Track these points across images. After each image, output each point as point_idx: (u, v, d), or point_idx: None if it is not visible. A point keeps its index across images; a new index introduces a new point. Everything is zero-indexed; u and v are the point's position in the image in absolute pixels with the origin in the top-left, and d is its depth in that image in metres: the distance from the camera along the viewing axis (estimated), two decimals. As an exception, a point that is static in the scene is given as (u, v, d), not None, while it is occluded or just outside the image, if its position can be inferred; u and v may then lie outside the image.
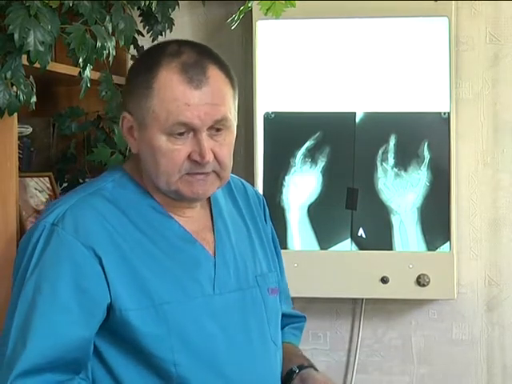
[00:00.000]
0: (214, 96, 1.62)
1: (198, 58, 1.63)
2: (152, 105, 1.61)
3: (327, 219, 2.74)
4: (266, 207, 1.92)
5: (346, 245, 2.74)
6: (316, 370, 1.81)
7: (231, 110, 1.66)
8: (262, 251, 1.83)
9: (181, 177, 1.63)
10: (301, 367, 1.80)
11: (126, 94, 1.69)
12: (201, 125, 1.60)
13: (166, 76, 1.61)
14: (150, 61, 1.65)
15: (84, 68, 2.16)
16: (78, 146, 2.74)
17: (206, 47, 1.70)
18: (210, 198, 1.77)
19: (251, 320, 1.72)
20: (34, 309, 1.57)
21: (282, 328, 1.87)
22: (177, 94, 1.60)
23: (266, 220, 1.90)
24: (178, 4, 2.74)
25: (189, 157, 1.61)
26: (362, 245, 2.73)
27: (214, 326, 1.66)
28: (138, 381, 1.62)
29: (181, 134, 1.61)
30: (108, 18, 2.24)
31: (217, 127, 1.63)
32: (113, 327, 1.61)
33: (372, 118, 2.73)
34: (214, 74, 1.63)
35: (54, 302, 1.57)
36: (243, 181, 1.92)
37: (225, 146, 1.65)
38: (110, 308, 1.60)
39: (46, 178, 2.51)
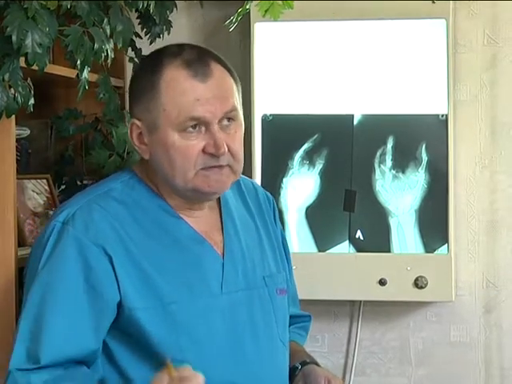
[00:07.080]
0: (221, 88, 1.65)
1: (198, 54, 1.67)
2: (162, 103, 1.64)
3: (325, 221, 2.74)
4: (276, 208, 1.94)
5: (344, 247, 2.73)
6: (318, 365, 1.84)
7: (238, 102, 1.69)
8: (272, 252, 1.85)
9: (196, 172, 1.65)
10: (303, 363, 1.83)
11: (132, 101, 1.72)
12: (212, 118, 1.63)
13: (171, 73, 1.64)
14: (151, 64, 1.69)
15: (82, 70, 2.16)
16: (76, 148, 2.74)
17: (204, 47, 1.74)
18: (219, 198, 1.79)
19: (259, 319, 1.74)
20: (44, 306, 1.59)
21: None
22: (185, 88, 1.63)
23: (275, 221, 1.92)
24: (176, 6, 2.73)
25: (203, 151, 1.64)
26: (359, 247, 2.73)
27: (221, 325, 1.69)
28: (146, 379, 1.63)
29: (193, 127, 1.63)
30: (106, 20, 2.24)
31: (228, 117, 1.66)
32: (122, 326, 1.64)
33: (370, 120, 2.73)
34: (217, 68, 1.67)
35: (65, 298, 1.60)
36: (254, 182, 1.95)
37: (236, 139, 1.68)
38: (120, 306, 1.62)
39: (44, 180, 2.51)
